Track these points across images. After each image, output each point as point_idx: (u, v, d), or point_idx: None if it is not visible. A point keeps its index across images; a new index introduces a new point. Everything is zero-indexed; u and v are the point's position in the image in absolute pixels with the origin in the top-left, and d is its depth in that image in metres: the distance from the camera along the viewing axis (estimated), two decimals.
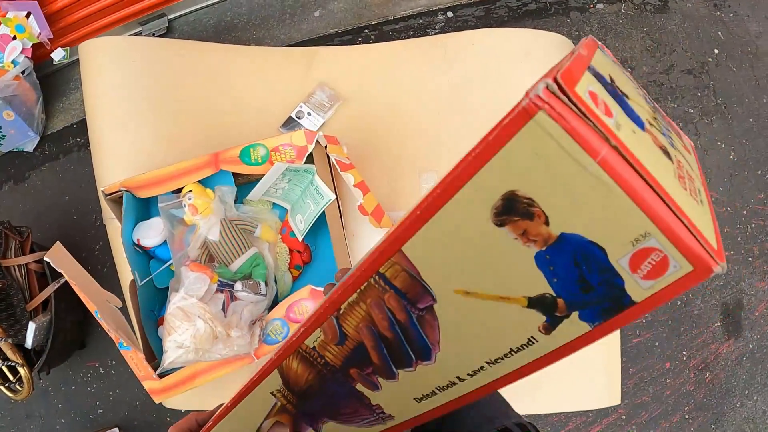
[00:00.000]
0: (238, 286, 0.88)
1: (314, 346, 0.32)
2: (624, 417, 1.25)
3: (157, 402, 0.86)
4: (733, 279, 1.35)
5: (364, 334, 0.30)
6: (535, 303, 0.26)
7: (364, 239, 0.93)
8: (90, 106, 1.07)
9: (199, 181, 0.89)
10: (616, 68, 0.31)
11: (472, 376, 0.30)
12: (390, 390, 0.32)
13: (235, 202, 0.91)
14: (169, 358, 0.84)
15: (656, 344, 1.28)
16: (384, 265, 0.27)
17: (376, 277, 0.28)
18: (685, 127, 1.39)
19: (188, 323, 0.84)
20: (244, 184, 0.94)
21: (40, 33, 1.17)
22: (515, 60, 1.05)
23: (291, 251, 0.92)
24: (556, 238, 0.24)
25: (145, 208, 0.95)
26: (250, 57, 1.02)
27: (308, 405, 0.37)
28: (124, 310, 0.89)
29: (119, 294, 0.92)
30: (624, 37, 1.42)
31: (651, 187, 0.22)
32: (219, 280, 0.88)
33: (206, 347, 0.87)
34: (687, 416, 1.29)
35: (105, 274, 1.18)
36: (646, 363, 1.28)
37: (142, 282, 0.90)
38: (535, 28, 1.34)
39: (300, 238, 0.88)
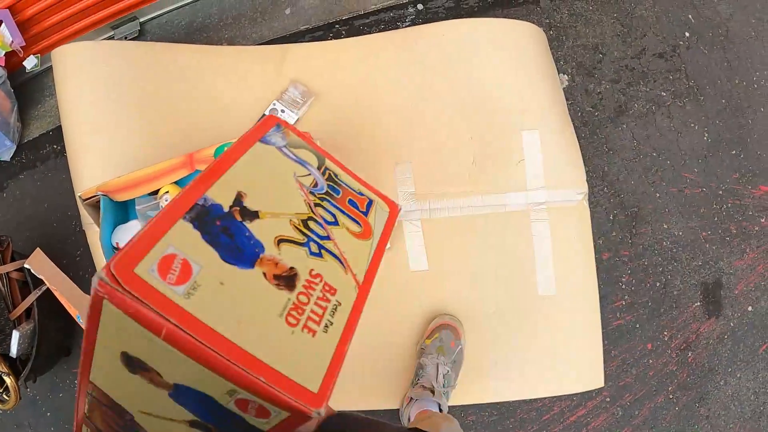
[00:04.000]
0: None
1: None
2: (608, 399, 1.27)
3: None
4: (711, 258, 1.37)
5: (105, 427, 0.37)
6: (195, 425, 0.31)
7: None
8: (64, 112, 1.07)
9: (176, 182, 0.89)
10: (302, 150, 0.35)
11: None
12: None
13: None
14: None
15: (637, 326, 1.30)
16: (87, 394, 0.34)
17: (94, 395, 0.34)
18: (658, 110, 1.41)
19: None
20: None
21: (12, 41, 1.16)
22: (486, 50, 1.06)
23: None
24: (172, 386, 0.29)
25: (123, 212, 0.96)
26: (223, 56, 1.02)
27: None
28: None
29: None
30: (594, 23, 1.43)
31: (218, 354, 0.24)
32: None
33: None
34: (671, 396, 1.31)
35: (87, 281, 1.18)
36: (628, 345, 1.30)
37: None
38: (505, 17, 1.35)
39: None
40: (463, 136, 1.03)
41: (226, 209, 0.33)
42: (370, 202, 0.45)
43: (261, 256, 0.33)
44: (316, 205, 0.39)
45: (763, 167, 1.43)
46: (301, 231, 0.36)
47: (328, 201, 0.40)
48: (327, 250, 0.36)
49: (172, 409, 0.31)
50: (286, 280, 0.32)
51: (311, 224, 0.37)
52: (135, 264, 0.27)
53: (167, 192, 0.89)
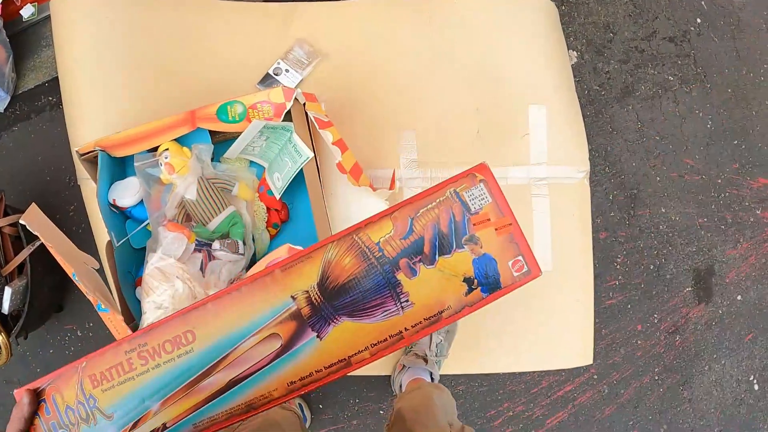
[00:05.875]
0: (216, 245, 0.87)
1: (379, 242, 0.43)
2: (596, 376, 1.29)
3: None
4: (705, 246, 1.38)
5: (427, 230, 0.42)
6: (465, 280, 0.43)
7: (343, 198, 0.93)
8: (62, 65, 1.04)
9: (176, 140, 0.87)
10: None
11: None
12: (422, 278, 0.43)
13: (212, 160, 0.90)
14: (148, 320, 0.84)
15: (629, 306, 1.32)
16: (460, 185, 0.43)
17: (452, 192, 0.43)
18: (665, 94, 1.40)
19: (167, 284, 0.84)
20: (221, 141, 0.93)
21: None
22: (498, 21, 1.04)
23: (269, 210, 0.92)
24: (482, 254, 0.43)
25: (121, 168, 0.94)
26: (227, 12, 0.99)
27: (335, 302, 0.44)
28: (101, 271, 0.88)
29: (96, 255, 0.91)
30: (607, 2, 1.41)
31: None
32: (197, 240, 0.87)
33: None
34: (657, 377, 1.33)
35: (80, 236, 1.16)
36: (619, 325, 1.31)
37: (119, 243, 0.89)
38: None
39: (278, 197, 0.88)
40: (469, 107, 1.02)
41: None
42: None
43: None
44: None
45: (763, 159, 1.43)
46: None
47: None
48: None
49: (464, 265, 0.45)
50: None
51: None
52: None
53: (167, 149, 0.88)
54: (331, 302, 0.44)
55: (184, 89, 0.98)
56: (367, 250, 0.43)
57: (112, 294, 0.90)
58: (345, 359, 0.44)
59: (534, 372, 1.24)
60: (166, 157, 0.86)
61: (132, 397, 0.45)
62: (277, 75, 0.96)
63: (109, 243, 0.88)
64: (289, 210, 0.94)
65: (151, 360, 0.45)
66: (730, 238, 1.40)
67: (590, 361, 1.15)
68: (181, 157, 0.86)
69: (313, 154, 0.84)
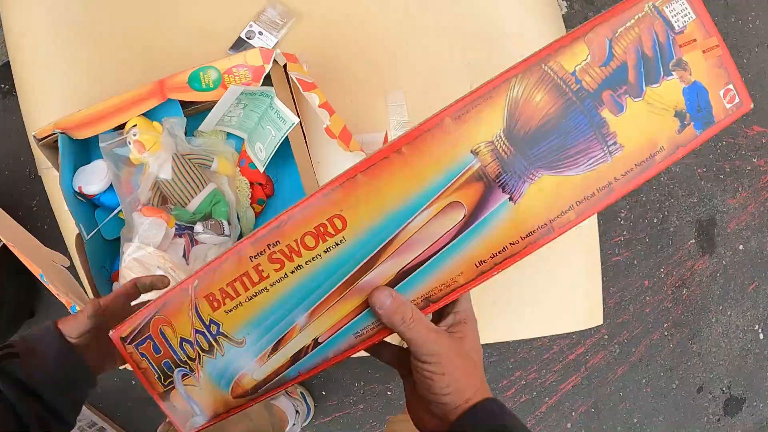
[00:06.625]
0: (198, 228, 0.80)
1: (574, 71, 0.35)
2: (606, 336, 1.26)
3: None
4: (705, 196, 1.35)
5: (629, 54, 0.35)
6: (677, 114, 0.35)
7: (331, 166, 0.86)
8: (12, 45, 0.95)
9: (144, 114, 0.79)
10: None
11: None
12: (629, 113, 0.35)
13: (186, 134, 0.82)
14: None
15: (635, 262, 1.28)
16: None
17: (651, 7, 0.34)
18: None
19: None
20: (194, 114, 0.85)
21: None
22: None
23: (252, 184, 0.85)
24: (692, 82, 0.35)
25: (85, 151, 0.85)
26: None
27: (529, 152, 0.34)
28: (72, 269, 0.81)
29: (65, 252, 0.83)
30: None
31: None
32: (177, 224, 0.80)
33: None
34: (666, 333, 1.31)
35: (46, 232, 1.07)
36: (626, 281, 1.28)
37: (89, 235, 0.81)
38: None
39: (261, 169, 0.81)
40: (458, 62, 0.95)
41: None
42: None
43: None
44: None
45: (757, 107, 1.41)
46: None
47: None
48: None
49: (677, 99, 0.37)
50: None
51: None
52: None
53: (135, 125, 0.79)
54: (524, 153, 0.35)
55: (149, 61, 0.89)
56: (561, 83, 0.35)
57: (86, 293, 0.82)
58: (546, 224, 0.35)
59: (544, 338, 1.21)
60: (134, 134, 0.78)
61: (268, 313, 0.36)
62: (250, 39, 0.88)
63: (79, 236, 0.80)
64: (274, 184, 0.87)
65: (289, 262, 0.35)
66: (729, 188, 1.38)
67: (600, 322, 1.11)
68: (151, 133, 0.78)
69: (298, 120, 0.77)
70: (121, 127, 0.80)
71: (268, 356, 0.36)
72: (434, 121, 0.34)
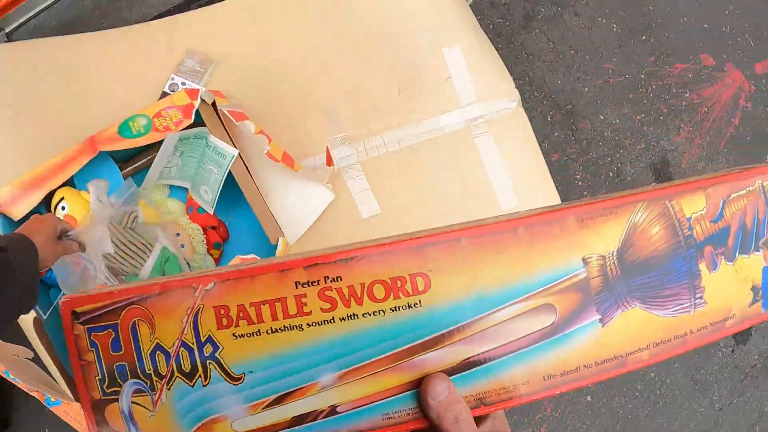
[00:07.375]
0: None
1: (690, 217, 0.36)
2: None
3: None
4: (652, 140, 1.40)
5: (734, 220, 0.37)
6: (753, 288, 0.37)
7: (282, 194, 0.86)
8: None
9: (79, 175, 0.77)
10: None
11: None
12: (720, 274, 0.36)
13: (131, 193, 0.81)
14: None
15: None
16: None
17: (760, 185, 0.37)
18: (564, 10, 1.42)
19: None
20: (133, 175, 0.85)
21: None
22: None
23: (205, 230, 0.84)
24: None
25: None
26: (105, 42, 0.92)
27: (631, 281, 0.34)
28: (37, 360, 0.76)
29: (26, 342, 0.78)
30: None
31: None
32: None
33: None
34: None
35: None
36: None
37: (47, 314, 0.78)
38: None
39: (211, 211, 0.80)
40: (382, 68, 0.98)
41: None
42: None
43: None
44: None
45: (673, 47, 1.47)
46: None
47: None
48: None
49: None
50: None
51: None
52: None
53: (62, 198, 0.77)
54: (628, 279, 0.33)
55: (76, 127, 0.86)
56: (677, 224, 0.34)
57: (55, 380, 0.77)
58: (622, 356, 0.33)
59: None
60: (63, 209, 0.76)
61: (289, 356, 0.29)
62: (173, 91, 0.89)
63: (37, 319, 0.76)
64: (227, 226, 0.86)
65: (344, 306, 0.29)
66: (672, 126, 1.43)
67: None
68: (80, 203, 0.76)
69: (237, 151, 0.77)
70: (50, 200, 0.78)
71: (265, 407, 0.29)
72: (557, 215, 0.32)
